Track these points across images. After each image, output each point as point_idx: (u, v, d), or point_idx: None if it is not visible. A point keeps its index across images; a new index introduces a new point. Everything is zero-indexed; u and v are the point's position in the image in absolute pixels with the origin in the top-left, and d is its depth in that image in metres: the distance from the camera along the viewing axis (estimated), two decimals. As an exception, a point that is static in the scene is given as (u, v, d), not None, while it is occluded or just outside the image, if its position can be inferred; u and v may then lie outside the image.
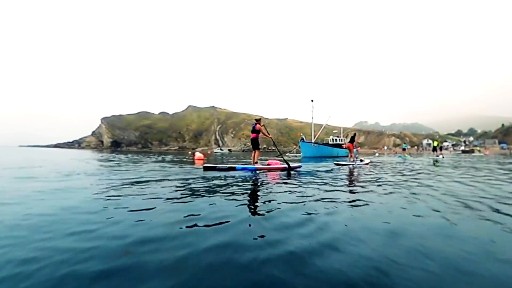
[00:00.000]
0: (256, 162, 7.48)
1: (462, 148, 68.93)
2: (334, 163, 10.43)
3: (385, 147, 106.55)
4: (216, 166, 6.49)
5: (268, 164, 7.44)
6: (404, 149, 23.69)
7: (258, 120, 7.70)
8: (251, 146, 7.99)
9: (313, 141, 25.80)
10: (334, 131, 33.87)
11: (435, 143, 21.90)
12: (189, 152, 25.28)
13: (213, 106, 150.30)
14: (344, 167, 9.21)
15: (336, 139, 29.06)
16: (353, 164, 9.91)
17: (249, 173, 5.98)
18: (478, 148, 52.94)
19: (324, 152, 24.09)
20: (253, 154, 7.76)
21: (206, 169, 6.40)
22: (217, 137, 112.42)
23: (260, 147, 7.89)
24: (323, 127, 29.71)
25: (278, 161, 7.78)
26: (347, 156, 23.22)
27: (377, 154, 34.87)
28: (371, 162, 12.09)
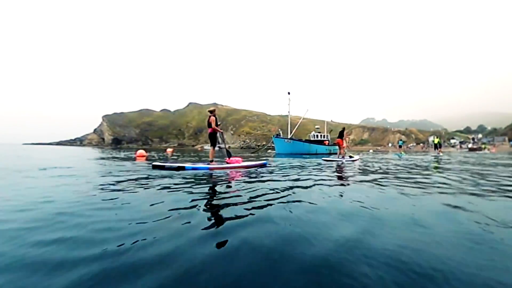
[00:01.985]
0: (212, 161, 6.70)
1: (470, 145, 65.83)
2: (323, 159, 10.19)
3: (390, 144, 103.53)
4: (164, 165, 6.03)
5: (227, 163, 6.74)
6: (400, 146, 22.07)
7: (211, 112, 6.84)
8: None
9: (289, 136, 24.62)
10: (316, 127, 32.31)
11: (436, 140, 20.22)
12: (167, 150, 24.41)
13: (215, 103, 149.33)
14: (332, 163, 8.91)
15: (317, 135, 27.74)
16: (342, 161, 9.44)
17: (202, 173, 5.42)
18: (484, 146, 50.19)
19: (299, 148, 22.73)
20: (210, 151, 7.02)
21: (154, 167, 6.01)
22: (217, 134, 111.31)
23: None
24: (300, 120, 28.42)
25: (239, 159, 7.09)
26: (328, 154, 22.72)
27: (371, 151, 32.94)
28: (360, 159, 11.54)
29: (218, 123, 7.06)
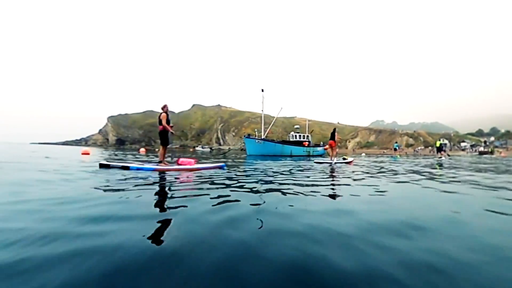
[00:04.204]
0: (161, 161, 6.23)
1: (481, 149, 62.52)
2: (315, 162, 10.06)
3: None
4: (110, 164, 5.79)
5: (178, 164, 6.31)
6: (395, 149, 20.64)
7: (162, 108, 6.36)
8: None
9: (263, 136, 23.59)
10: (296, 126, 30.96)
11: (438, 143, 18.60)
12: (140, 150, 24.27)
13: (219, 105, 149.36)
14: (324, 165, 8.84)
15: (296, 136, 26.53)
16: (335, 162, 9.42)
17: (148, 174, 4.91)
18: (490, 149, 47.22)
19: (271, 150, 21.55)
20: (159, 151, 6.48)
21: (101, 166, 5.77)
22: (219, 135, 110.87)
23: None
24: (275, 119, 27.34)
25: (191, 160, 6.55)
26: (305, 156, 21.61)
27: (363, 155, 31.15)
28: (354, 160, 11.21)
29: (171, 125, 6.58)
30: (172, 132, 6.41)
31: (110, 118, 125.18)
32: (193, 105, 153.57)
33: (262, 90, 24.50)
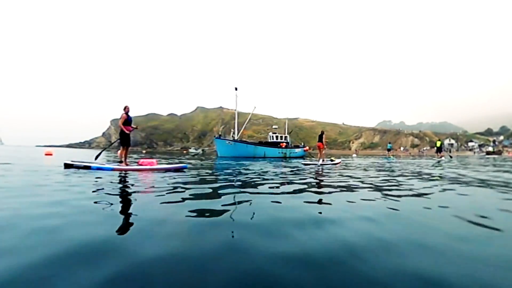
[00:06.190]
0: (121, 162, 6.27)
1: (489, 148, 60.19)
2: (302, 163, 9.88)
3: (402, 148, 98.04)
4: (73, 164, 5.91)
5: (139, 164, 6.31)
6: (389, 150, 19.57)
7: (124, 109, 6.48)
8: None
9: (236, 136, 22.78)
10: (274, 127, 29.89)
11: (438, 144, 17.41)
12: (118, 152, 23.39)
13: (221, 107, 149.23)
14: (311, 166, 8.79)
15: (273, 136, 25.56)
16: (322, 164, 9.39)
17: (108, 174, 5.07)
18: (494, 149, 45.17)
19: (243, 151, 20.70)
20: (120, 151, 6.53)
21: (66, 166, 5.89)
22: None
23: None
24: (249, 118, 26.50)
25: (152, 161, 6.51)
26: (281, 158, 20.66)
27: (354, 156, 29.87)
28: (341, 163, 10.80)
29: (134, 126, 6.70)
30: (127, 132, 6.37)
31: (113, 121, 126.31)
32: (197, 107, 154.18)
33: (236, 89, 24.02)
